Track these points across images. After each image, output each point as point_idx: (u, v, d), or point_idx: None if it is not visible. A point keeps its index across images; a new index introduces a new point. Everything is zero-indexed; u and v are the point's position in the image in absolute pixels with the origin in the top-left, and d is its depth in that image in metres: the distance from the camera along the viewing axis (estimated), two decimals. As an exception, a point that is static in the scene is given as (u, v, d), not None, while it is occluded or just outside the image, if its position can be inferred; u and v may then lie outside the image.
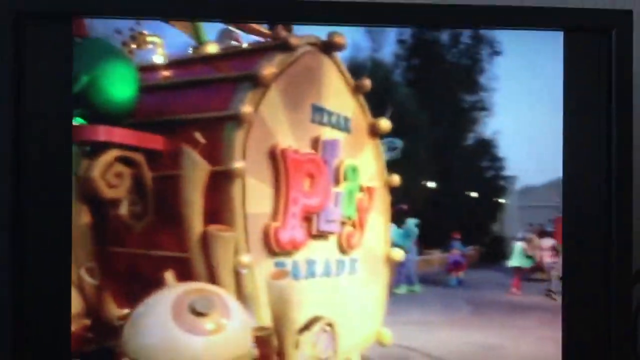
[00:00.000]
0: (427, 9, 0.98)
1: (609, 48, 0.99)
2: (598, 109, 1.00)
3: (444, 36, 1.10)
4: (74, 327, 0.91)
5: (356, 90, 1.11)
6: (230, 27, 1.05)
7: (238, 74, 0.97)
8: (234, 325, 0.88)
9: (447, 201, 1.17)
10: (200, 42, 1.03)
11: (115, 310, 0.94)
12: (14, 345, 0.89)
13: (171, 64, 1.00)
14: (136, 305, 0.90)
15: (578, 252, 1.01)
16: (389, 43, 1.06)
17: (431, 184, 1.17)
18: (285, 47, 1.00)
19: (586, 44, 0.99)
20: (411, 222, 1.15)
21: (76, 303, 0.93)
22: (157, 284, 0.91)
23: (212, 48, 1.03)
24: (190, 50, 1.03)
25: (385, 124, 1.12)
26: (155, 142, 0.93)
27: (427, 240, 1.19)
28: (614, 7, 1.04)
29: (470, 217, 1.23)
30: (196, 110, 0.95)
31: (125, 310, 0.93)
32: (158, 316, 0.85)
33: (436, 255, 1.24)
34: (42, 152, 0.90)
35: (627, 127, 0.99)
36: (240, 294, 0.94)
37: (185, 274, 0.93)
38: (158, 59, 0.98)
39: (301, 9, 0.94)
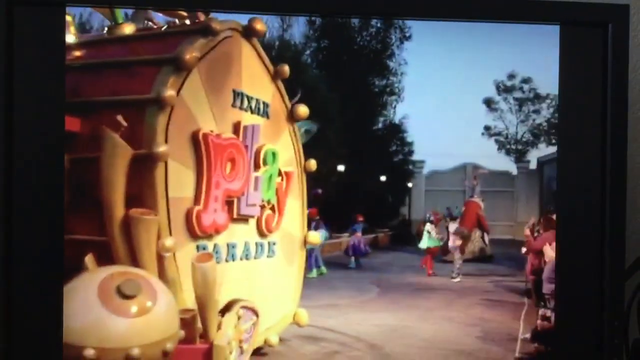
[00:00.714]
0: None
1: (605, 42, 1.02)
2: (593, 102, 1.03)
3: (355, 20, 1.17)
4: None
5: (275, 75, 1.17)
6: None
7: (160, 57, 1.00)
8: (160, 307, 0.93)
9: (353, 184, 1.25)
10: (116, 21, 1.05)
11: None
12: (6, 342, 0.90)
13: (87, 44, 1.01)
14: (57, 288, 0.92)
15: (572, 248, 1.04)
16: (299, 24, 1.13)
17: (339, 167, 1.24)
18: (207, 31, 1.04)
19: (582, 37, 1.02)
20: (322, 233, 1.24)
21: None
22: (75, 268, 0.94)
23: (128, 29, 1.05)
24: (106, 31, 1.05)
25: (302, 109, 1.20)
26: (73, 124, 0.95)
27: (334, 224, 1.28)
28: (610, 1, 1.05)
29: (377, 201, 1.32)
30: (117, 92, 0.98)
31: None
32: (84, 299, 0.89)
33: (344, 238, 1.34)
34: (33, 141, 0.91)
35: (622, 120, 1.03)
36: (164, 277, 0.98)
37: (106, 258, 0.96)
38: (70, 38, 0.99)
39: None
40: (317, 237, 1.25)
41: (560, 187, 1.05)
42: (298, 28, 1.14)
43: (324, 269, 1.27)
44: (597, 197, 1.03)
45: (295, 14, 1.06)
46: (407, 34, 1.16)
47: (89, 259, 0.94)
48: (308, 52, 1.18)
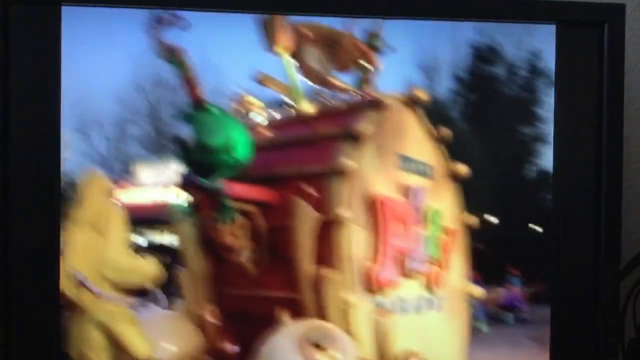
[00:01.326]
0: (421, 1, 1.07)
1: (601, 41, 1.04)
2: (589, 103, 1.06)
3: (500, 70, 1.24)
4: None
5: (436, 138, 1.29)
6: (318, 86, 1.25)
7: (338, 131, 1.15)
8: (348, 358, 1.06)
9: (508, 237, 1.29)
10: (296, 101, 1.22)
11: (232, 347, 1.12)
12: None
13: (276, 124, 1.19)
14: (254, 341, 1.08)
15: (567, 248, 1.07)
16: (445, 79, 1.22)
17: (491, 218, 1.31)
18: (375, 104, 1.19)
19: (579, 37, 1.05)
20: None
21: (197, 341, 1.12)
22: (273, 322, 1.10)
23: (307, 107, 1.22)
24: (289, 110, 1.23)
25: (462, 168, 1.30)
26: (269, 195, 1.12)
27: (487, 276, 1.33)
28: (606, 1, 1.07)
29: (531, 252, 1.36)
30: (303, 165, 1.14)
31: (237, 347, 1.11)
32: (284, 350, 1.03)
33: (496, 292, 1.39)
34: (29, 146, 0.96)
35: (618, 121, 1.05)
36: (348, 330, 1.11)
37: (298, 312, 1.10)
38: (263, 120, 1.18)
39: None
40: (479, 291, 1.32)
41: (555, 187, 1.07)
42: (445, 84, 1.24)
43: (484, 324, 1.32)
44: (593, 196, 1.05)
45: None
46: (552, 80, 1.21)
47: (284, 314, 1.09)
48: (456, 107, 1.28)
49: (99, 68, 1.07)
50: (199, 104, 1.09)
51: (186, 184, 1.11)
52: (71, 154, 1.06)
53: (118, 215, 1.07)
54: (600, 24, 1.06)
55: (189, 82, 1.08)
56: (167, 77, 1.10)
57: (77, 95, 1.06)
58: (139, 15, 1.06)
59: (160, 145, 1.13)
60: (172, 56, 1.05)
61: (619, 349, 1.09)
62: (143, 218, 1.12)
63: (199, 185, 1.10)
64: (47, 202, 0.98)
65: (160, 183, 1.12)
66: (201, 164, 1.10)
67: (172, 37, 1.05)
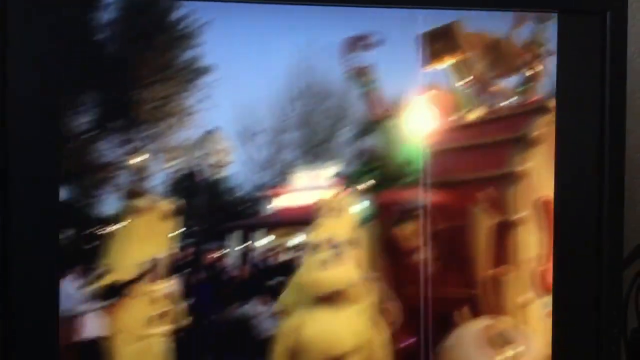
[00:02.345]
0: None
1: (604, 30, 1.06)
2: (591, 92, 1.07)
3: None
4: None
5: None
6: (484, 94, 1.32)
7: (508, 136, 1.23)
8: (530, 352, 1.14)
9: None
10: (466, 109, 1.31)
11: (413, 342, 1.23)
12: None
13: (449, 131, 1.28)
14: (434, 337, 1.19)
15: (569, 237, 1.10)
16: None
17: None
18: (542, 109, 1.26)
19: (581, 25, 1.06)
20: None
21: (381, 335, 1.24)
22: (452, 320, 1.20)
23: (476, 114, 1.30)
24: (460, 118, 1.31)
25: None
26: (446, 198, 1.22)
27: None
28: None
29: None
30: (477, 169, 1.23)
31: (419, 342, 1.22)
32: (466, 346, 1.14)
33: None
34: (28, 142, 0.97)
35: (620, 110, 1.07)
36: (524, 328, 1.20)
37: (476, 310, 1.20)
38: (436, 128, 1.27)
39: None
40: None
41: (557, 177, 1.09)
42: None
43: None
44: (596, 186, 1.06)
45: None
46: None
47: (463, 312, 1.19)
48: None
49: (257, 80, 1.19)
50: (378, 117, 1.21)
51: (364, 191, 1.22)
52: (233, 160, 1.20)
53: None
54: (602, 13, 1.06)
55: (372, 97, 1.19)
56: (324, 88, 1.21)
57: (238, 105, 1.20)
58: (294, 36, 1.16)
59: (326, 152, 1.24)
60: (361, 76, 1.17)
61: (621, 339, 1.11)
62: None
63: (377, 192, 1.21)
64: (45, 196, 0.99)
65: (326, 187, 1.23)
66: (380, 172, 1.21)
67: (361, 58, 1.16)
